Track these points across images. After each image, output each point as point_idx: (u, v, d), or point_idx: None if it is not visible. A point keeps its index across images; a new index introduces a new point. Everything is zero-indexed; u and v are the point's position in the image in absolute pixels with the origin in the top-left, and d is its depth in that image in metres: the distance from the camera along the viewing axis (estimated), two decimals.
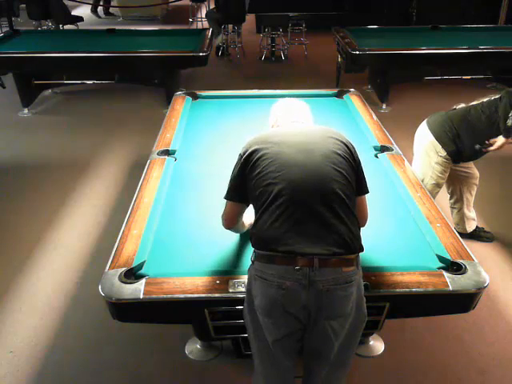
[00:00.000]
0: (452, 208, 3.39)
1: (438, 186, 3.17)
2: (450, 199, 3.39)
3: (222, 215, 1.88)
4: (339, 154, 1.72)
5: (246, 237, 2.08)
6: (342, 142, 1.77)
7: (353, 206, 1.71)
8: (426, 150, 3.11)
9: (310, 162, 1.68)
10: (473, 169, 3.26)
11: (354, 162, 1.76)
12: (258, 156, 1.72)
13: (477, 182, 3.28)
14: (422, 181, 3.06)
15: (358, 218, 1.73)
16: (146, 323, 2.19)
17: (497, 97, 2.93)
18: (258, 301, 1.66)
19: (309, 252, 1.59)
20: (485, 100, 2.99)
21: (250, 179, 1.73)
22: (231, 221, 1.89)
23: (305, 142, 1.74)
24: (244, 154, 1.76)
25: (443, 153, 3.04)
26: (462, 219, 3.35)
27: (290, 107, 2.03)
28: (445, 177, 3.15)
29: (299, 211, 1.63)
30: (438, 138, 3.04)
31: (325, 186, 1.65)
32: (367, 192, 1.83)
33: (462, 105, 3.09)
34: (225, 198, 1.83)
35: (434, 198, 3.14)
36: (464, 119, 2.99)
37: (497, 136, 2.91)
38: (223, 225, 1.90)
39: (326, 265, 1.59)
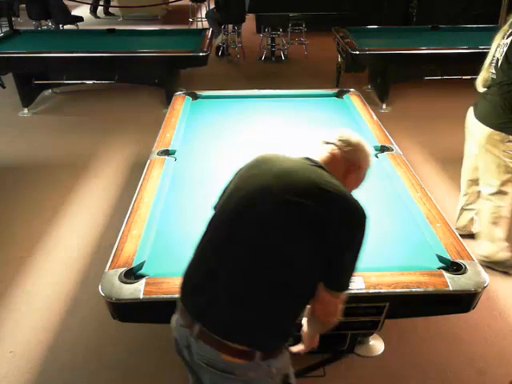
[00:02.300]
0: (463, 210, 3.31)
1: None
2: (466, 201, 3.26)
3: None
4: (295, 227, 1.34)
5: None
6: (327, 207, 1.35)
7: (295, 295, 1.39)
8: (487, 147, 2.89)
9: (246, 224, 1.40)
10: None
11: (328, 236, 1.34)
12: (228, 183, 1.58)
13: None
14: (498, 177, 2.89)
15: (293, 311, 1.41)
16: (146, 323, 2.19)
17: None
18: None
19: (194, 316, 1.40)
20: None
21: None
22: None
23: (260, 202, 1.39)
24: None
25: (507, 138, 2.82)
26: (470, 221, 3.32)
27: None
28: None
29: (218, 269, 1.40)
30: (497, 128, 2.82)
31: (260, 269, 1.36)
32: (340, 289, 1.41)
33: (479, 80, 2.94)
34: None
35: None
36: (503, 94, 2.79)
37: None
38: None
39: (205, 340, 1.37)
